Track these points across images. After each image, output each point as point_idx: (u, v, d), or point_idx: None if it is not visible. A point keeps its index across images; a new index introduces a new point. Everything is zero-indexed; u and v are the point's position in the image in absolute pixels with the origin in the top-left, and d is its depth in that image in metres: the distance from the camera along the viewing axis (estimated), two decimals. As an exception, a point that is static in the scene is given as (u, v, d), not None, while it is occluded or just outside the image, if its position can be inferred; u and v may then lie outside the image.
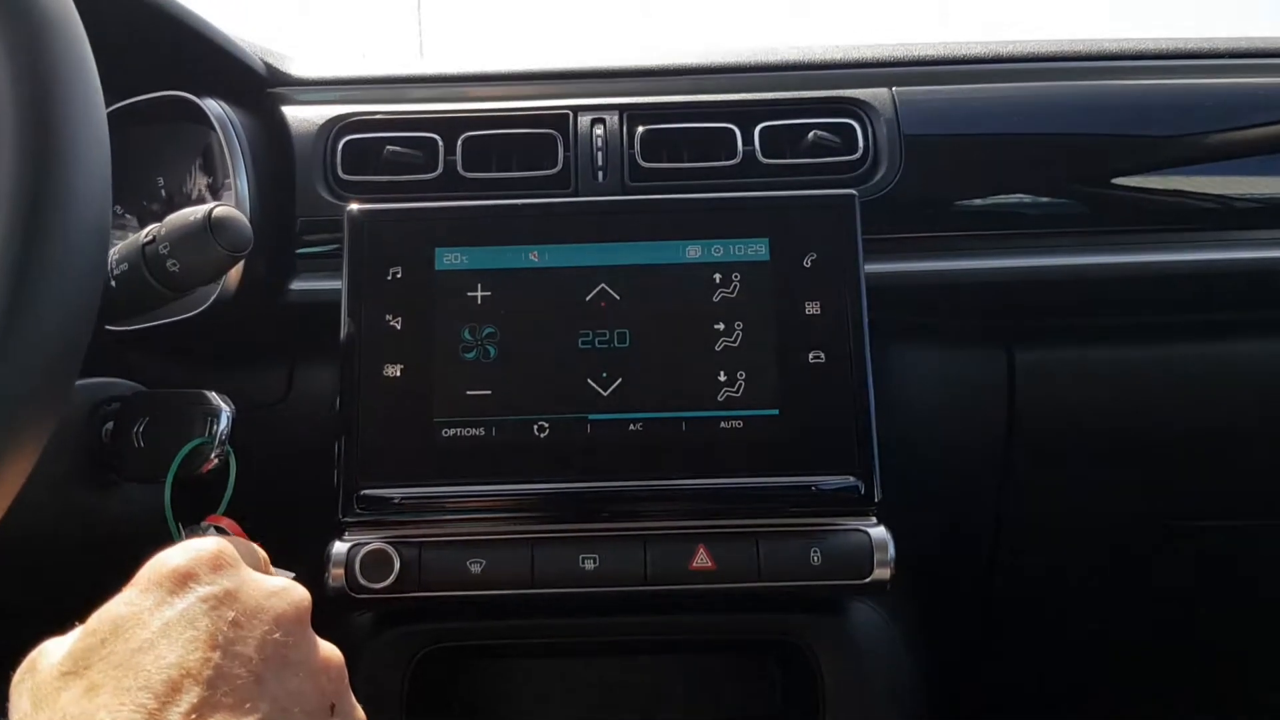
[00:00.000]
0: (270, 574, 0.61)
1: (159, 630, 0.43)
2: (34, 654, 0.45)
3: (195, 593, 0.44)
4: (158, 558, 0.46)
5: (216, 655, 0.43)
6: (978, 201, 0.84)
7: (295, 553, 0.71)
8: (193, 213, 0.60)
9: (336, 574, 0.67)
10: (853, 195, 0.72)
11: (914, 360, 0.84)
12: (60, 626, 0.77)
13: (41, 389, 0.49)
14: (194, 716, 0.40)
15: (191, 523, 0.66)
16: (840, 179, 0.81)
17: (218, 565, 0.46)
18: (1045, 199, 0.85)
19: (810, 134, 0.82)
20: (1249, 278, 0.84)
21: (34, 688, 0.43)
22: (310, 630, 0.48)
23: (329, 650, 0.49)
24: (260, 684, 0.44)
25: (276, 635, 0.45)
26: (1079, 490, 0.89)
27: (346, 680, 0.49)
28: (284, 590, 0.47)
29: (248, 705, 0.42)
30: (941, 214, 0.84)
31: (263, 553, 0.55)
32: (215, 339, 0.80)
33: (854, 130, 0.82)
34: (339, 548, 0.68)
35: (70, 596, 0.72)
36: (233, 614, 0.44)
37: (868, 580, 0.68)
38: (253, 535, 0.68)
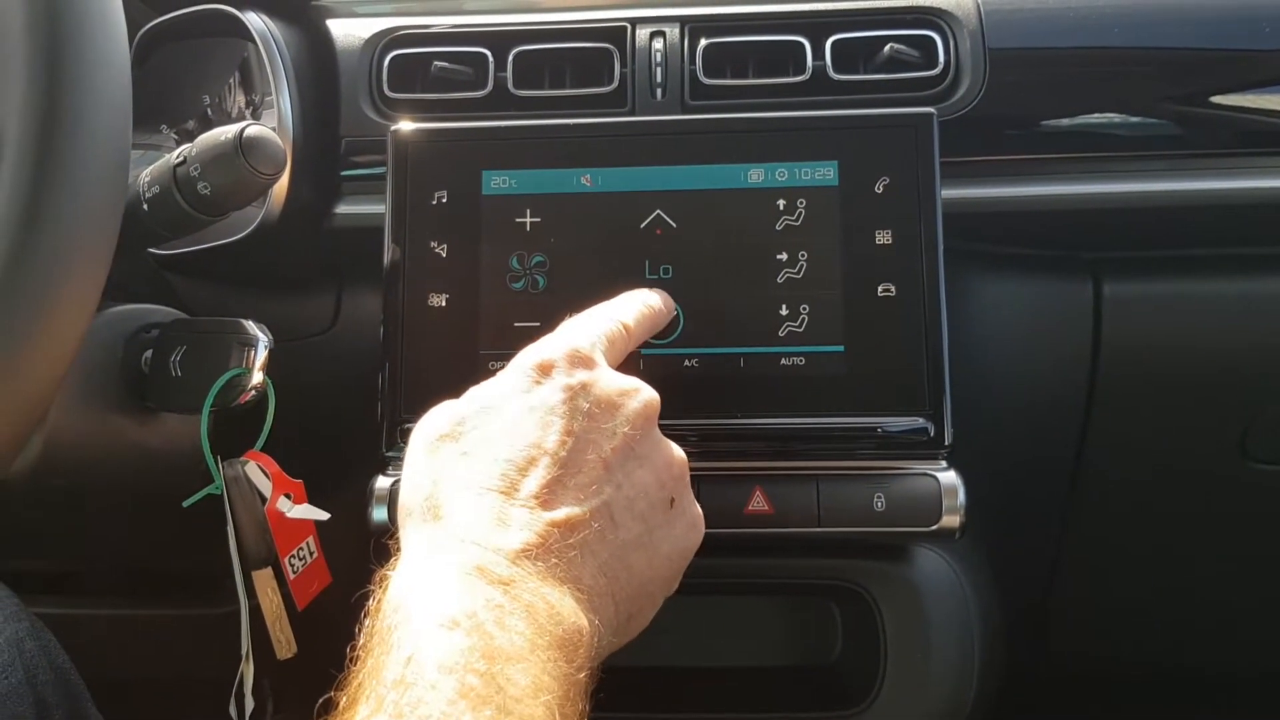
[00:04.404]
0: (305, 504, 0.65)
1: (523, 410, 0.49)
2: (428, 414, 0.53)
3: (556, 382, 0.50)
4: (534, 348, 0.53)
5: (570, 440, 0.49)
6: (1065, 121, 0.78)
7: (339, 487, 0.70)
8: (224, 132, 0.58)
9: (379, 509, 0.65)
10: (931, 114, 0.67)
11: (991, 293, 0.79)
12: (103, 554, 0.77)
13: (60, 319, 0.47)
14: (545, 489, 0.47)
15: (231, 455, 0.65)
16: (918, 97, 0.75)
17: (577, 360, 0.52)
18: (1138, 119, 0.78)
19: (886, 47, 0.76)
20: None
21: (425, 440, 0.51)
22: (657, 429, 0.54)
23: (674, 450, 0.54)
24: (608, 470, 0.49)
25: (625, 429, 0.51)
26: (1167, 434, 0.84)
27: (688, 480, 0.55)
28: (635, 390, 0.53)
29: (594, 487, 0.48)
30: (1026, 135, 0.78)
31: (617, 328, 0.57)
32: (261, 264, 0.78)
33: (934, 43, 0.76)
34: (382, 483, 0.65)
35: (110, 526, 0.72)
36: (587, 405, 0.50)
37: (934, 528, 0.64)
38: (296, 469, 0.67)
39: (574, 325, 0.56)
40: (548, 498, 0.47)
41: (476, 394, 0.52)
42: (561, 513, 0.47)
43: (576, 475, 0.48)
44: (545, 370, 0.51)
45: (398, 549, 0.48)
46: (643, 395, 0.53)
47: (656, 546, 0.51)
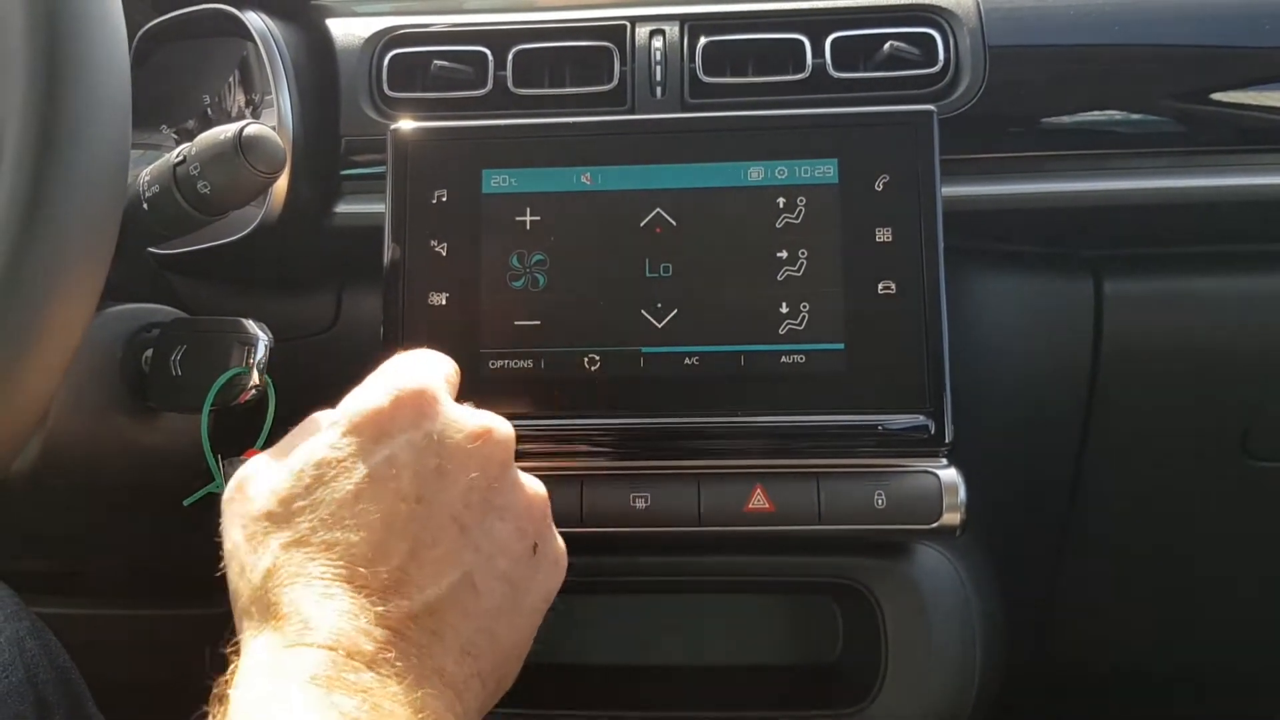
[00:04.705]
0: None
1: (363, 480, 0.42)
2: (243, 476, 0.45)
3: (397, 441, 0.43)
4: (361, 397, 0.45)
5: (420, 509, 0.42)
6: (1066, 119, 0.78)
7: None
8: (223, 131, 0.58)
9: None
10: (931, 111, 0.67)
11: (992, 290, 0.79)
12: (104, 554, 0.77)
13: (59, 319, 0.47)
14: (399, 573, 0.41)
15: (232, 454, 0.64)
16: (918, 94, 0.75)
17: (421, 409, 0.45)
18: (1138, 116, 0.78)
19: (886, 45, 0.76)
20: None
21: (245, 520, 0.43)
22: (514, 471, 0.47)
23: (533, 488, 0.48)
24: (464, 534, 0.43)
25: (481, 482, 0.45)
26: (1168, 431, 0.84)
27: (549, 517, 0.49)
28: (487, 430, 0.46)
29: (452, 558, 0.43)
30: (1026, 132, 0.78)
31: (453, 367, 0.52)
32: (261, 263, 0.78)
33: (934, 41, 0.76)
34: None
35: (111, 526, 0.72)
36: (436, 462, 0.43)
37: (935, 525, 0.64)
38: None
39: (406, 364, 0.49)
40: (403, 583, 0.41)
41: (304, 462, 0.44)
42: (419, 598, 0.42)
43: (432, 549, 0.43)
44: (382, 424, 0.44)
45: (237, 652, 0.42)
46: (496, 435, 0.47)
47: (520, 603, 0.46)
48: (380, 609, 0.40)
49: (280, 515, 0.43)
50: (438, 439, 0.44)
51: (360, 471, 0.43)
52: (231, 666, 0.41)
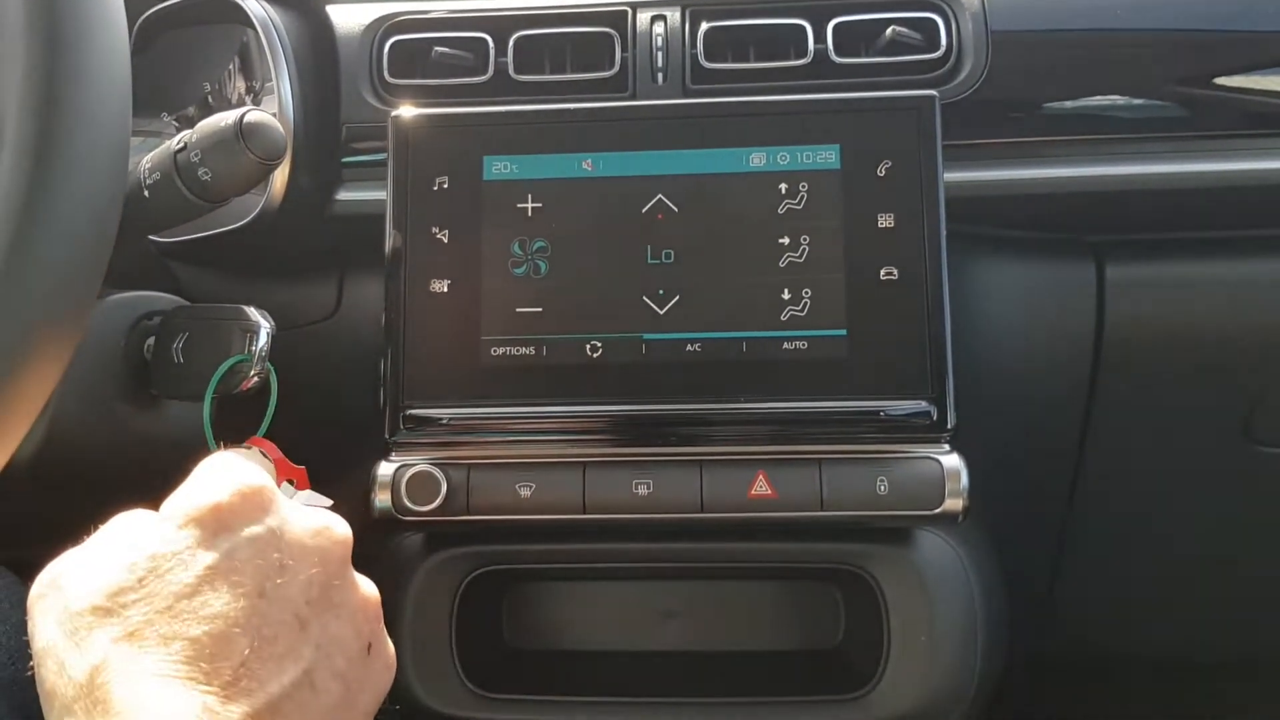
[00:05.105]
0: (308, 489, 0.60)
1: (202, 574, 0.41)
2: (55, 571, 0.43)
3: (240, 534, 0.42)
4: (197, 490, 0.44)
5: (262, 603, 0.41)
6: (1069, 104, 0.78)
7: (341, 473, 0.70)
8: (224, 118, 0.58)
9: (382, 495, 0.66)
10: (933, 96, 0.67)
11: (994, 276, 0.79)
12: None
13: (60, 307, 0.47)
14: (241, 669, 0.39)
15: (233, 442, 0.65)
16: (920, 79, 0.75)
17: (262, 503, 0.44)
18: (1140, 101, 0.78)
19: (888, 30, 0.76)
20: None
21: (64, 616, 0.40)
22: (351, 569, 0.47)
23: (367, 588, 0.48)
24: (304, 630, 0.42)
25: (321, 577, 0.44)
26: (1171, 417, 0.84)
27: (381, 618, 0.48)
28: (327, 528, 0.46)
29: (293, 653, 0.41)
30: (1029, 118, 0.78)
31: (273, 469, 0.51)
32: (263, 251, 0.78)
33: (936, 26, 0.76)
34: (385, 469, 0.66)
35: (114, 513, 0.72)
36: (278, 556, 0.43)
37: (937, 511, 0.65)
38: (299, 455, 0.67)
39: (236, 463, 0.47)
40: (246, 679, 0.39)
41: (137, 555, 0.41)
42: (262, 696, 0.40)
43: (273, 644, 0.41)
44: (223, 517, 0.43)
45: None
46: (335, 533, 0.46)
47: (355, 703, 0.45)
48: (220, 710, 0.38)
49: (108, 609, 0.40)
50: (279, 533, 0.43)
51: (200, 564, 0.41)
52: None
